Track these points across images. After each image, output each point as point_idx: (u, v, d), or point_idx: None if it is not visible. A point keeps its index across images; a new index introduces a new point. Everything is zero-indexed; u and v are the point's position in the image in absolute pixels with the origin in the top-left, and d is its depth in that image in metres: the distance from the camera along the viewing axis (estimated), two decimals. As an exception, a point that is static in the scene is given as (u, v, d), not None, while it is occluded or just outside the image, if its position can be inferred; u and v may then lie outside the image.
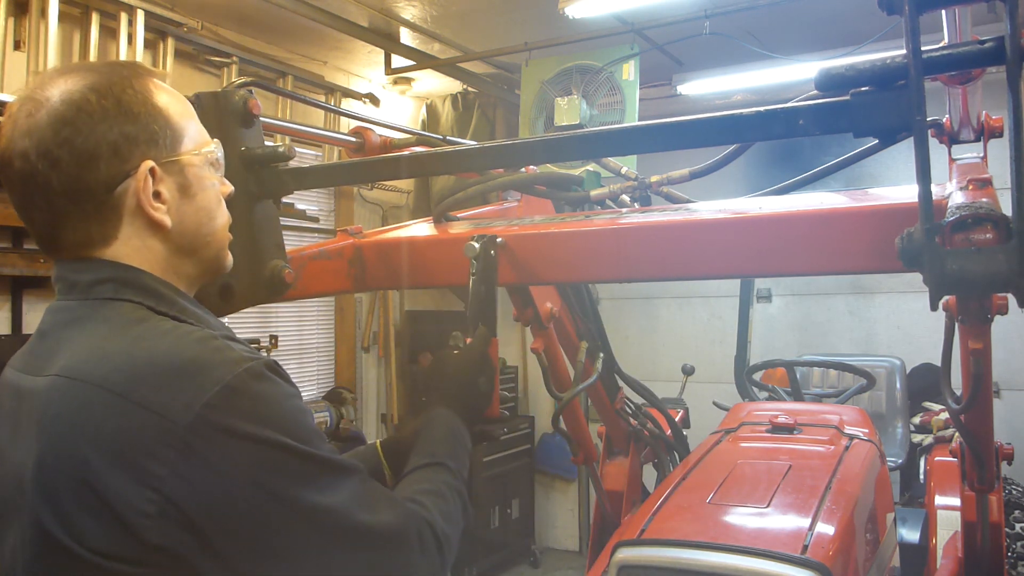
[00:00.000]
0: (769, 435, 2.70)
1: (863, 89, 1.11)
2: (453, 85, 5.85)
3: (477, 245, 1.48)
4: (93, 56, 3.91)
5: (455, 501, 1.14)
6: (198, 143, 1.08)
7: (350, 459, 1.01)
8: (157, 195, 1.03)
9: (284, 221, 1.76)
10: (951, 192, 1.25)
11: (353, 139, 1.94)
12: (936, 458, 3.30)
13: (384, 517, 0.99)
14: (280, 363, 0.98)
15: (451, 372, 1.34)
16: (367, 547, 0.97)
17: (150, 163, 1.01)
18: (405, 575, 1.01)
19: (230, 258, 1.15)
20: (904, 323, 5.57)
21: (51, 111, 0.98)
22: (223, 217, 1.13)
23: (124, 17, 3.98)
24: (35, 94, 1.00)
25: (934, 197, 1.03)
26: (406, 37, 5.05)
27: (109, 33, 4.01)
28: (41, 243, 1.05)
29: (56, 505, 0.90)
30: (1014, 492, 4.20)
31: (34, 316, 3.78)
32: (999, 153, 1.39)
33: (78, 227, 1.01)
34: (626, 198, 1.93)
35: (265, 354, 0.98)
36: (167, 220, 1.03)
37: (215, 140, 1.13)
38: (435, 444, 1.23)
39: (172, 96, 1.08)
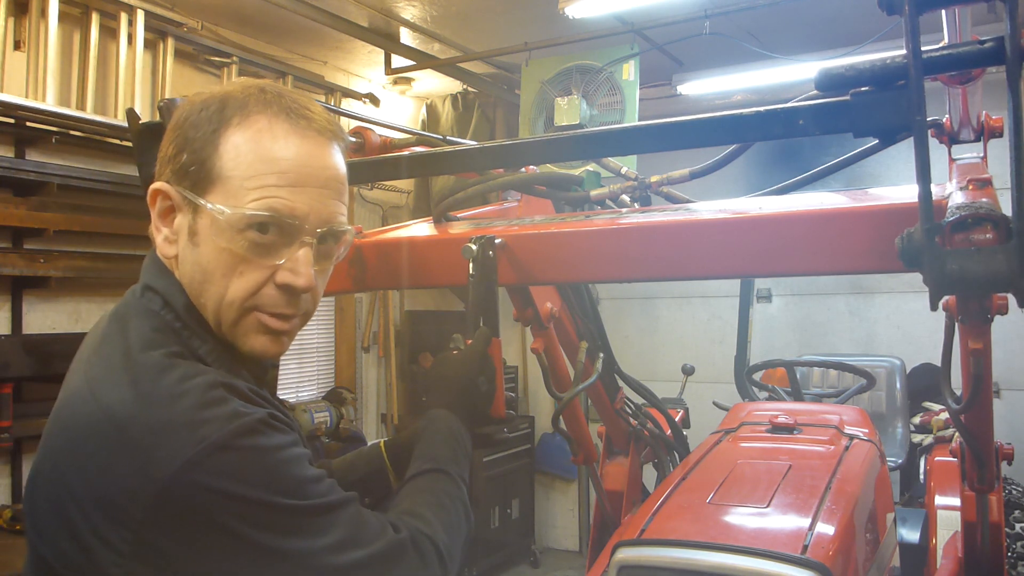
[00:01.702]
0: (769, 435, 2.70)
1: (863, 89, 1.11)
2: (453, 85, 5.85)
3: (474, 247, 1.47)
4: (93, 56, 3.92)
5: (456, 510, 1.13)
6: (231, 201, 0.96)
7: (340, 495, 0.97)
8: (172, 221, 1.02)
9: (284, 221, 1.75)
10: (951, 192, 1.25)
11: (353, 139, 1.94)
12: (936, 458, 3.30)
13: (379, 545, 0.97)
14: (276, 415, 0.95)
15: (451, 373, 1.32)
16: (364, 573, 0.95)
17: (160, 184, 1.01)
18: None
19: (255, 345, 1.01)
20: (904, 323, 5.57)
21: (194, 104, 1.02)
22: (220, 290, 0.98)
23: (124, 17, 3.99)
24: (224, 87, 1.03)
25: (934, 197, 1.03)
26: (406, 37, 5.05)
27: (109, 33, 4.01)
28: None
29: (36, 518, 0.93)
30: (1014, 492, 4.21)
31: (34, 316, 3.78)
32: (999, 153, 1.39)
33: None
34: (626, 198, 1.92)
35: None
36: (167, 249, 1.02)
37: (261, 214, 0.96)
38: (435, 448, 1.21)
39: (263, 147, 0.97)
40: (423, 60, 5.23)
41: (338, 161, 1.04)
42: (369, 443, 1.52)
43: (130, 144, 1.64)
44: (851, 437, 2.68)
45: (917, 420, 4.45)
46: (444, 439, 1.23)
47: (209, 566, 0.87)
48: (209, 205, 0.97)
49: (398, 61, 5.26)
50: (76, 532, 0.88)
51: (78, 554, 0.88)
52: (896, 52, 1.09)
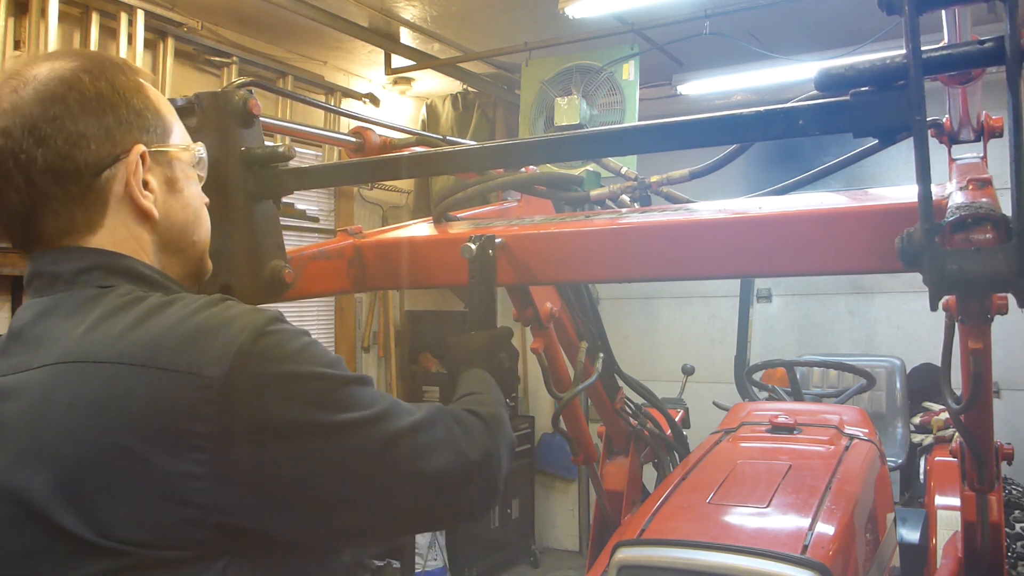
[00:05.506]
0: (769, 435, 2.70)
1: (863, 89, 1.11)
2: (453, 85, 5.85)
3: (474, 247, 1.48)
4: (93, 56, 3.91)
5: (498, 409, 1.18)
6: (185, 141, 1.08)
7: (363, 374, 1.02)
8: (145, 184, 1.00)
9: (284, 221, 1.76)
10: (951, 192, 1.25)
11: (353, 139, 1.94)
12: (936, 458, 3.30)
13: (422, 414, 1.02)
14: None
15: (476, 346, 1.40)
16: (416, 438, 0.98)
17: (142, 147, 0.99)
18: (457, 453, 1.02)
19: (210, 265, 1.14)
20: (904, 323, 5.57)
21: (39, 88, 0.94)
22: (207, 221, 1.12)
23: (124, 17, 3.98)
24: (20, 72, 0.95)
25: (934, 197, 1.03)
26: (406, 37, 5.05)
27: (109, 33, 4.01)
28: (14, 232, 0.98)
29: (82, 503, 0.83)
30: (1014, 492, 4.20)
31: (34, 316, 3.77)
32: (999, 153, 1.39)
33: (60, 212, 0.95)
34: (626, 198, 1.93)
35: None
36: (154, 210, 1.01)
37: (199, 143, 1.11)
38: (471, 385, 1.28)
39: (158, 93, 1.07)
40: (423, 60, 5.23)
41: None
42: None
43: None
44: (851, 437, 2.68)
45: (917, 420, 4.44)
46: (478, 381, 1.30)
47: (279, 460, 0.86)
48: (186, 148, 1.07)
49: (398, 61, 5.26)
50: (144, 492, 0.82)
51: (151, 513, 0.82)
52: (896, 52, 1.09)
